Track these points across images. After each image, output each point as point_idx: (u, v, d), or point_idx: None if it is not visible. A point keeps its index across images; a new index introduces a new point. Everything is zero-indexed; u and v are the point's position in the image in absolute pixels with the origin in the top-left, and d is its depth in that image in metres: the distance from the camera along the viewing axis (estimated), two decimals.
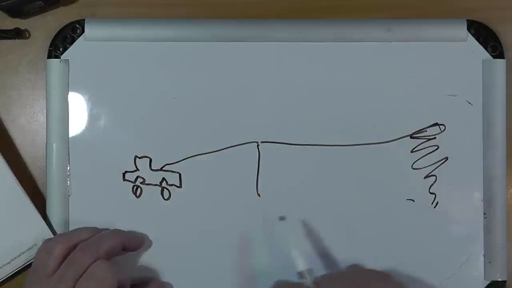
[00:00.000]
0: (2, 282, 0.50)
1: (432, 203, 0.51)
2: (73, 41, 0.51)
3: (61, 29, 0.52)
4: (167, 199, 0.51)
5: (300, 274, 0.48)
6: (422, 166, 0.51)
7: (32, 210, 0.50)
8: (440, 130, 0.51)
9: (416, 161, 0.51)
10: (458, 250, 0.51)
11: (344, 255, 0.51)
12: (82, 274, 0.44)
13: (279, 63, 0.51)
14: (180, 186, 0.51)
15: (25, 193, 0.50)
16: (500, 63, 0.51)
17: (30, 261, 0.50)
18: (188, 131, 0.51)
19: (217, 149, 0.51)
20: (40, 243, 0.49)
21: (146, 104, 0.51)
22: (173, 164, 0.51)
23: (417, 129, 0.51)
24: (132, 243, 0.49)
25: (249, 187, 0.51)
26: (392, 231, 0.51)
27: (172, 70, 0.51)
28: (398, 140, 0.51)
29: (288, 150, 0.51)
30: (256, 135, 0.51)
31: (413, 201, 0.51)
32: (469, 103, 0.51)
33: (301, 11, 0.53)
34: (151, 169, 0.51)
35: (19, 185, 0.50)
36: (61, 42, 0.51)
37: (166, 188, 0.51)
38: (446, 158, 0.51)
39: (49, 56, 0.51)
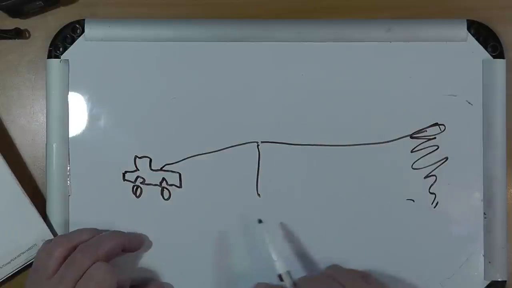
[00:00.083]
0: (2, 282, 0.50)
1: (432, 203, 0.51)
2: (73, 41, 0.51)
3: (61, 29, 0.52)
4: (167, 199, 0.51)
5: (280, 277, 0.47)
6: (422, 166, 0.51)
7: (32, 210, 0.50)
8: (440, 130, 0.51)
9: (416, 161, 0.51)
10: (458, 250, 0.51)
11: (345, 255, 0.51)
12: (82, 276, 0.44)
13: (279, 63, 0.51)
14: (180, 186, 0.51)
15: (25, 194, 0.50)
16: (500, 63, 0.51)
17: (30, 261, 0.50)
18: (188, 131, 0.51)
19: (217, 149, 0.51)
20: (40, 243, 0.49)
21: (146, 104, 0.51)
22: (173, 164, 0.51)
23: (417, 129, 0.51)
24: (132, 244, 0.49)
25: (249, 187, 0.51)
26: (392, 231, 0.51)
27: (172, 70, 0.51)
28: (398, 140, 0.51)
29: (288, 150, 0.51)
30: (256, 135, 0.51)
31: (413, 201, 0.51)
32: (469, 103, 0.51)
33: (301, 11, 0.53)
34: (151, 169, 0.51)
35: (19, 185, 0.50)
36: (61, 42, 0.51)
37: (166, 188, 0.51)
38: (446, 158, 0.51)
39: (49, 56, 0.51)
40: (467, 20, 0.51)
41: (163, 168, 0.51)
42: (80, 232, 0.48)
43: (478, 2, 0.53)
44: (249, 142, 0.51)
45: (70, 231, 0.51)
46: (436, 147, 0.51)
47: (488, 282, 0.51)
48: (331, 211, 0.51)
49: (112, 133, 0.51)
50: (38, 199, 0.52)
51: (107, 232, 0.49)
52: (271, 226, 0.50)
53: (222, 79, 0.51)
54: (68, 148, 0.51)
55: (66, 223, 0.51)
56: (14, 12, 0.52)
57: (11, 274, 0.50)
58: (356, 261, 0.51)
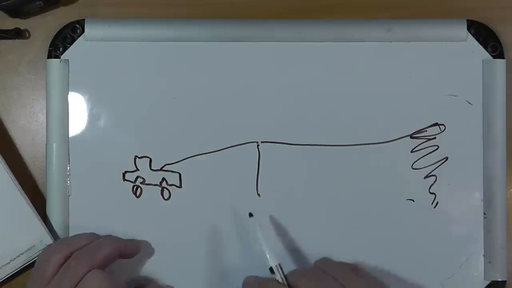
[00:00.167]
0: (2, 282, 0.50)
1: (432, 203, 0.51)
2: (73, 41, 0.51)
3: (61, 29, 0.52)
4: (167, 199, 0.51)
5: (271, 270, 0.47)
6: (422, 166, 0.51)
7: (30, 211, 0.50)
8: (440, 130, 0.51)
9: (416, 161, 0.51)
10: (458, 250, 0.51)
11: (345, 255, 0.51)
12: (77, 283, 0.44)
13: (279, 63, 0.51)
14: (180, 186, 0.51)
15: (25, 194, 0.50)
16: (500, 63, 0.51)
17: (30, 262, 0.50)
18: (188, 131, 0.51)
19: (217, 149, 0.51)
20: (39, 244, 0.49)
21: (146, 104, 0.51)
22: (173, 164, 0.51)
23: (417, 129, 0.51)
24: (128, 250, 0.49)
25: (249, 187, 0.51)
26: (392, 231, 0.51)
27: (172, 70, 0.51)
28: (398, 140, 0.51)
29: (288, 150, 0.51)
30: (256, 135, 0.51)
31: (413, 201, 0.51)
32: (469, 103, 0.51)
33: (301, 11, 0.53)
34: (151, 169, 0.51)
35: (18, 186, 0.50)
36: (61, 42, 0.51)
37: (166, 188, 0.51)
38: (446, 158, 0.51)
39: (49, 56, 0.51)
40: (467, 20, 0.52)
41: (163, 168, 0.51)
42: (80, 238, 0.48)
43: (478, 2, 0.53)
44: (249, 142, 0.51)
45: (69, 235, 0.51)
46: (436, 147, 0.51)
47: (488, 282, 0.51)
48: (331, 211, 0.51)
49: (112, 133, 0.51)
50: (38, 199, 0.52)
51: (104, 238, 0.49)
52: (267, 222, 0.50)
53: (222, 79, 0.51)
54: (68, 148, 0.51)
55: (66, 223, 0.51)
56: (14, 12, 0.52)
57: (10, 274, 0.50)
58: (356, 261, 0.51)
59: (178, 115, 0.51)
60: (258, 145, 0.51)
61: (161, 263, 0.51)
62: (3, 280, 0.50)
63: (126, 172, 0.51)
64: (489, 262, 0.51)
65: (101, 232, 0.50)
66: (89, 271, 0.44)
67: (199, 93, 0.51)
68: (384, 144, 0.51)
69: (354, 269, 0.48)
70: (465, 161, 0.51)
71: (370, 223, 0.51)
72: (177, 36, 0.51)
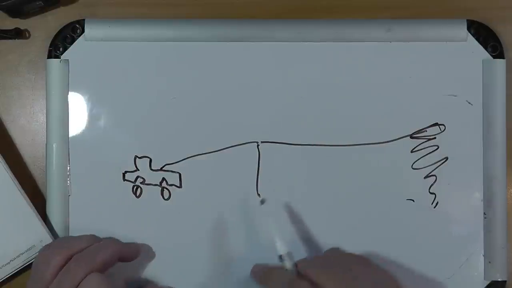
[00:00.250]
0: (2, 282, 0.50)
1: (432, 203, 0.51)
2: (73, 41, 0.51)
3: (61, 29, 0.52)
4: (167, 199, 0.51)
5: (281, 258, 0.47)
6: (422, 166, 0.51)
7: (30, 211, 0.50)
8: (440, 130, 0.51)
9: (416, 161, 0.51)
10: (458, 250, 0.51)
11: None
12: (77, 286, 0.44)
13: (279, 63, 0.51)
14: (180, 186, 0.51)
15: (25, 194, 0.50)
16: (500, 63, 0.51)
17: (30, 262, 0.50)
18: (188, 131, 0.51)
19: (217, 149, 0.51)
20: (39, 244, 0.49)
21: (146, 104, 0.51)
22: (173, 164, 0.51)
23: (417, 129, 0.51)
24: (129, 254, 0.49)
25: (249, 187, 0.51)
26: (392, 231, 0.51)
27: (172, 70, 0.51)
28: (398, 140, 0.51)
29: (288, 150, 0.51)
30: (256, 135, 0.51)
31: (413, 201, 0.51)
32: (469, 103, 0.51)
33: (301, 11, 0.53)
34: (151, 169, 0.51)
35: (18, 185, 0.50)
36: (61, 42, 0.51)
37: (166, 188, 0.51)
38: (446, 158, 0.51)
39: (49, 56, 0.51)
40: (467, 20, 0.52)
41: (163, 168, 0.51)
42: (80, 240, 0.47)
43: (478, 2, 0.53)
44: (249, 142, 0.51)
45: (70, 236, 0.50)
46: (436, 147, 0.51)
47: (488, 282, 0.51)
48: (331, 211, 0.51)
49: (112, 133, 0.51)
50: (38, 199, 0.52)
51: (104, 240, 0.49)
52: (274, 212, 0.50)
53: (222, 79, 0.51)
54: (68, 148, 0.51)
55: (66, 223, 0.51)
56: (14, 12, 0.52)
57: (10, 274, 0.50)
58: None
59: (178, 115, 0.51)
60: (258, 145, 0.51)
61: (161, 263, 0.51)
62: (3, 280, 0.50)
63: (126, 172, 0.51)
64: (489, 262, 0.51)
65: (101, 232, 0.50)
66: (89, 274, 0.44)
67: (199, 93, 0.51)
68: (384, 144, 0.51)
69: (363, 261, 0.47)
70: (465, 161, 0.51)
71: (370, 223, 0.51)
72: (177, 36, 0.51)
